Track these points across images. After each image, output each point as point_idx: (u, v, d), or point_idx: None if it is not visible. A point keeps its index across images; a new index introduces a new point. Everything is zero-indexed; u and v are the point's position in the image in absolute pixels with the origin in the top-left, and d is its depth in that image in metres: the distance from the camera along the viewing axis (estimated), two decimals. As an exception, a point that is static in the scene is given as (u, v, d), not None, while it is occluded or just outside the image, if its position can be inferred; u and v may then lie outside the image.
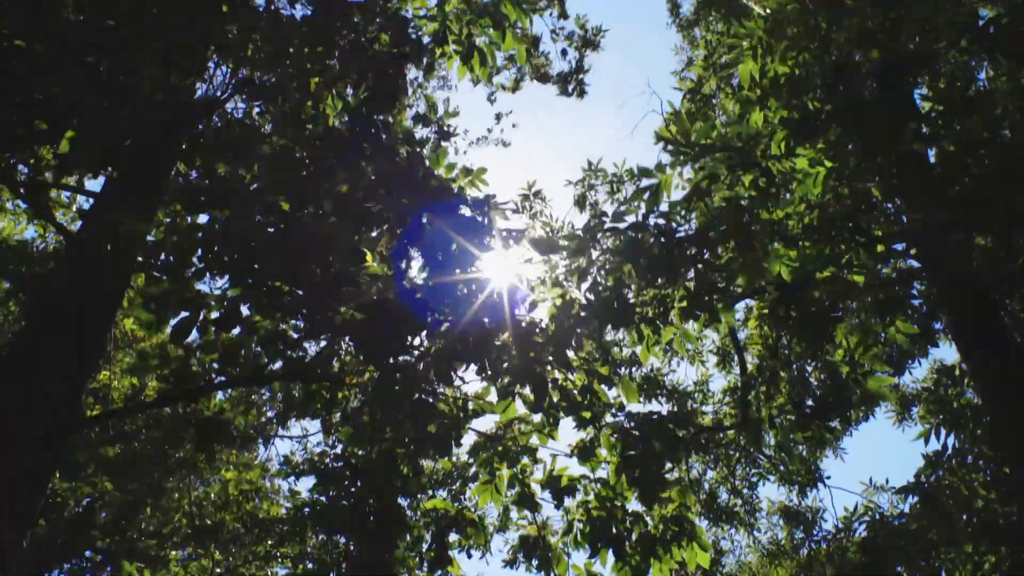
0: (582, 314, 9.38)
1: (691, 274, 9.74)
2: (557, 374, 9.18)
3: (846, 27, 9.72)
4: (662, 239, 9.34)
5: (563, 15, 17.64)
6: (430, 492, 15.04)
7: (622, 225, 9.56)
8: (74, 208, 14.39)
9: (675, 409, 16.52)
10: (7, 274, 10.37)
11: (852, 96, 9.31)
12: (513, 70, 17.58)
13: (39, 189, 9.15)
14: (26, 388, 7.94)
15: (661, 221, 9.51)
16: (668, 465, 9.50)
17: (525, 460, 9.74)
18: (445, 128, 9.04)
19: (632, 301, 9.76)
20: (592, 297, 9.52)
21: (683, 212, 9.65)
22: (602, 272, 9.73)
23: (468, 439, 9.85)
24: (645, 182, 9.64)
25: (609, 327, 9.70)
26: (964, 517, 10.10)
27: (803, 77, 9.81)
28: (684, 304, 9.64)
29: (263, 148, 8.16)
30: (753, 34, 10.05)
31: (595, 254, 9.82)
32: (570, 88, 18.14)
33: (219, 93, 9.43)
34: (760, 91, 10.04)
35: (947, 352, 33.53)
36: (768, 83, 9.96)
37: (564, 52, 18.15)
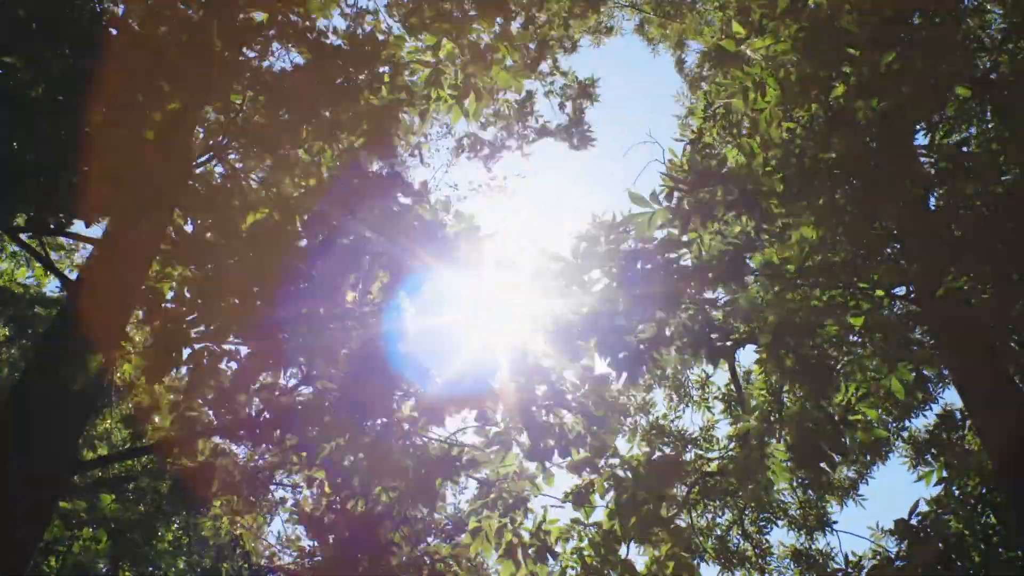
0: (578, 342, 9.31)
1: (689, 311, 9.70)
2: (553, 418, 9.12)
3: (846, 75, 9.78)
4: (659, 272, 9.31)
5: (556, 70, 17.50)
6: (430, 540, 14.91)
7: (623, 247, 9.52)
8: (76, 255, 14.52)
9: (671, 451, 16.40)
10: (8, 318, 10.49)
11: (851, 144, 9.34)
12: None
13: (35, 235, 9.23)
14: (25, 435, 8.00)
15: (657, 252, 9.48)
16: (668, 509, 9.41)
17: (517, 512, 9.62)
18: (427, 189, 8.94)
19: (627, 330, 9.66)
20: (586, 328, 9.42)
21: (680, 242, 9.59)
22: (597, 303, 9.64)
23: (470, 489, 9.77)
24: (638, 210, 9.55)
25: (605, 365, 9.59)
26: (961, 563, 9.97)
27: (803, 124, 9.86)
28: (683, 340, 9.59)
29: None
30: (749, 76, 10.11)
31: (588, 281, 9.75)
32: (575, 140, 17.96)
33: (218, 139, 9.52)
34: (759, 138, 10.08)
35: (953, 396, 33.11)
36: (764, 127, 9.99)
37: (561, 105, 18.01)
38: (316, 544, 9.70)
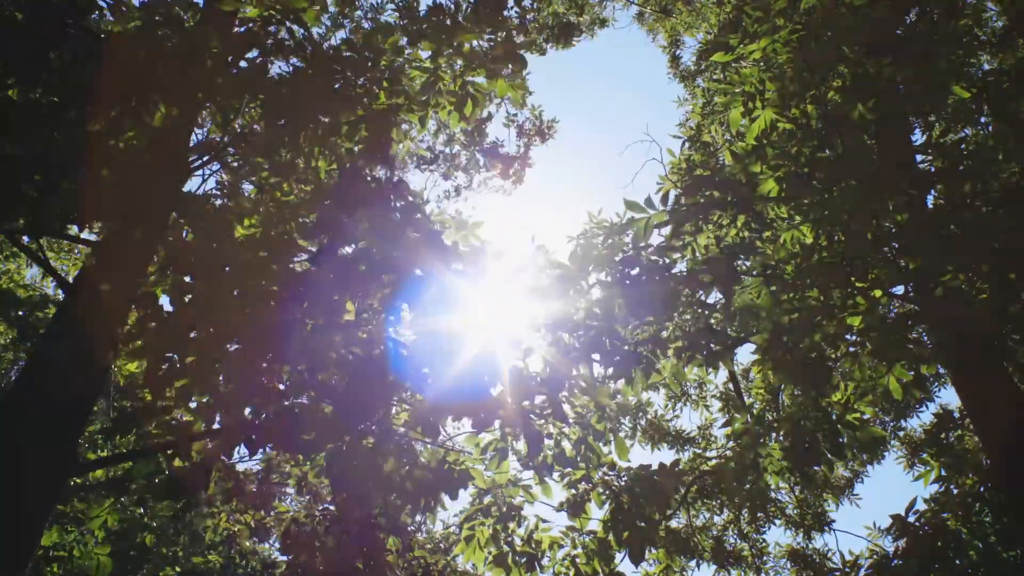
0: (576, 347, 9.30)
1: (687, 315, 9.70)
2: (552, 428, 9.07)
3: (843, 75, 9.77)
4: (656, 276, 9.31)
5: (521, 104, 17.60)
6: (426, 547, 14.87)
7: (617, 256, 9.52)
8: (74, 257, 14.50)
9: (675, 457, 16.37)
10: (7, 318, 10.47)
11: (849, 144, 9.33)
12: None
13: (33, 237, 9.21)
14: (22, 436, 7.96)
15: (654, 256, 9.48)
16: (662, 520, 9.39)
17: (512, 524, 9.57)
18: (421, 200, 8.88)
19: (624, 337, 9.66)
20: (583, 333, 9.41)
21: (674, 246, 9.60)
22: (595, 308, 9.63)
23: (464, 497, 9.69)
24: (636, 216, 9.58)
25: (601, 369, 9.57)
26: (959, 561, 9.99)
27: (800, 124, 9.84)
28: (679, 344, 9.59)
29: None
30: (746, 81, 10.09)
31: (586, 286, 9.75)
32: (510, 172, 18.07)
33: (215, 139, 9.48)
34: (754, 142, 10.05)
35: (951, 395, 33.16)
36: (761, 133, 9.97)
37: (519, 134, 18.11)
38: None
